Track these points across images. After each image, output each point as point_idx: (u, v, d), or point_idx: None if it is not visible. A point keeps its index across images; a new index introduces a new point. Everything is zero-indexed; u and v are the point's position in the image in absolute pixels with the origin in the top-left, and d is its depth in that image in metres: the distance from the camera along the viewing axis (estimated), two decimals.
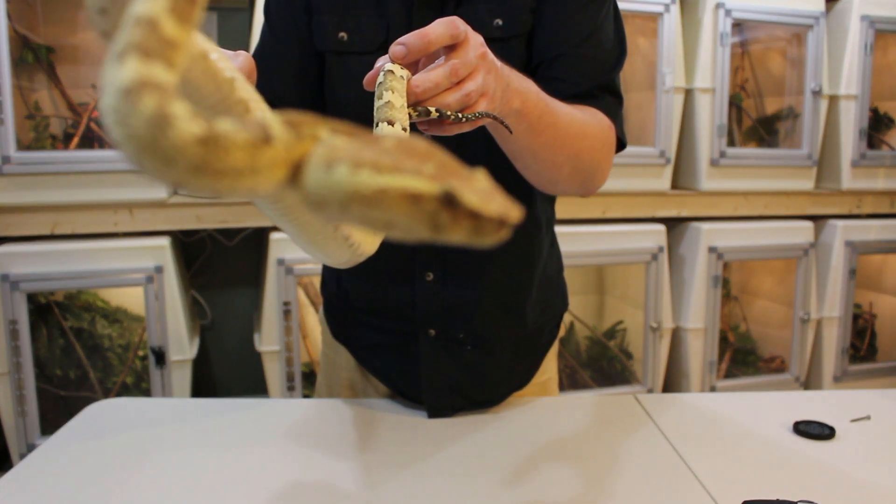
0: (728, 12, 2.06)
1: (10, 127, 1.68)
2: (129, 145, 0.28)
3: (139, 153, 0.28)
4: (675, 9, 2.01)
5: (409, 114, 0.56)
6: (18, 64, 1.78)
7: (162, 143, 0.27)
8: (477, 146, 0.74)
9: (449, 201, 0.30)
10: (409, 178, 0.30)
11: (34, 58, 1.82)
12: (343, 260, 0.50)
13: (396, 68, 0.56)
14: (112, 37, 0.35)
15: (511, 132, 0.65)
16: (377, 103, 0.55)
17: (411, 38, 0.55)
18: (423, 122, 0.57)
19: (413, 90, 0.54)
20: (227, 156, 0.29)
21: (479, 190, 0.31)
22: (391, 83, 0.55)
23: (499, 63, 0.60)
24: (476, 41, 0.57)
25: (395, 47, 0.55)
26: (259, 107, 0.44)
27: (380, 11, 0.81)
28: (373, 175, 0.30)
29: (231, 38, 2.18)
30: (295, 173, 0.32)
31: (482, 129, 0.67)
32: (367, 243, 0.50)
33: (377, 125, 0.55)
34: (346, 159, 0.31)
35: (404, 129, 0.54)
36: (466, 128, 0.58)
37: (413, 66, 0.58)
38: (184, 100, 0.28)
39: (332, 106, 0.87)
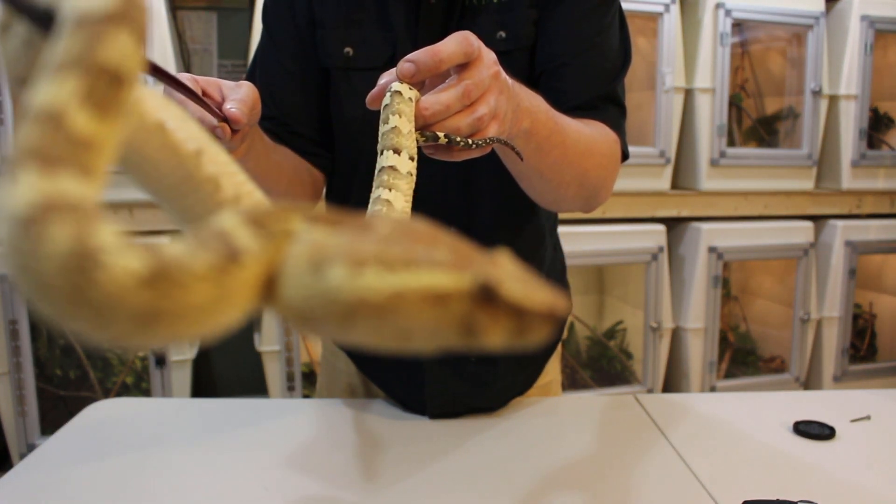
0: (728, 12, 2.06)
1: (10, 127, 1.68)
2: (42, 299, 0.20)
3: (59, 309, 0.20)
4: (675, 9, 2.01)
5: (416, 139, 0.52)
6: None
7: (89, 294, 0.20)
8: (483, 166, 0.72)
9: (486, 297, 0.24)
10: (431, 272, 0.24)
11: None
12: None
13: (404, 88, 0.52)
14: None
15: (522, 159, 0.62)
16: (382, 128, 0.52)
17: (422, 56, 0.51)
18: (430, 146, 0.53)
19: (422, 113, 0.51)
20: (184, 294, 0.21)
21: (517, 278, 0.24)
22: (398, 106, 0.51)
23: (510, 81, 0.58)
24: (489, 59, 0.54)
25: (404, 65, 0.51)
26: (232, 181, 0.36)
27: (385, 25, 0.79)
28: (382, 275, 0.23)
29: (231, 38, 2.19)
30: (268, 286, 0.24)
31: None
32: None
33: (381, 153, 0.51)
34: (340, 257, 0.23)
35: (411, 159, 0.51)
36: (475, 154, 0.55)
37: (419, 84, 0.55)
38: (107, 222, 0.21)
39: (339, 124, 0.85)
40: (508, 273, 0.25)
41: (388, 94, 0.52)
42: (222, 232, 0.24)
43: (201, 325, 0.23)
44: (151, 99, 0.33)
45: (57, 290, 0.20)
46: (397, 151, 0.51)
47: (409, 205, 0.51)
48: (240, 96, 0.61)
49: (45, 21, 0.26)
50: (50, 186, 0.20)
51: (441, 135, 0.52)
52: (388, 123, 0.51)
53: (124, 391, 1.90)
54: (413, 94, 0.52)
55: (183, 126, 0.34)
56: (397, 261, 0.23)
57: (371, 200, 0.50)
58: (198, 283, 0.22)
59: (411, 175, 0.51)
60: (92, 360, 1.89)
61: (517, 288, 0.24)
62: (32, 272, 0.20)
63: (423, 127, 0.52)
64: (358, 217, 0.26)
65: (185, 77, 0.58)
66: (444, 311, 0.24)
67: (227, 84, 0.63)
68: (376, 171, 0.52)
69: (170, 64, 1.77)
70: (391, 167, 0.51)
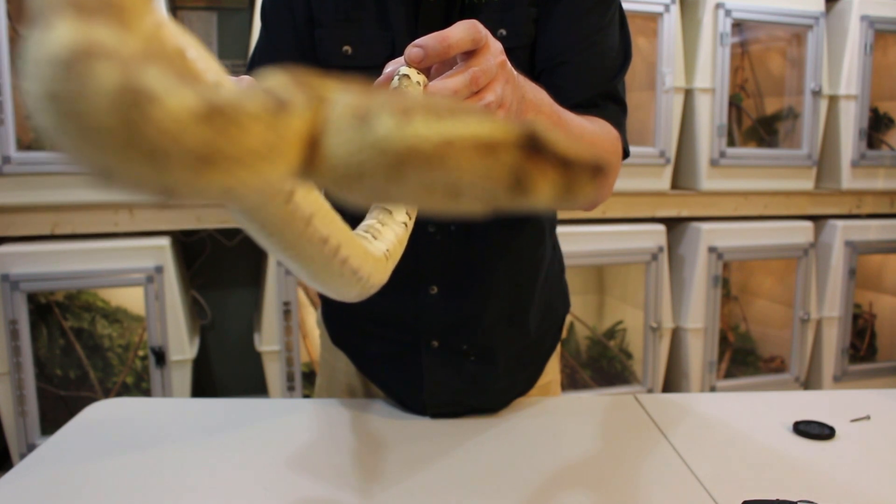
0: (728, 12, 2.06)
1: (10, 127, 1.68)
2: (91, 145, 0.18)
3: (107, 153, 0.18)
4: (675, 9, 2.01)
5: None
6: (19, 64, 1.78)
7: (144, 131, 0.18)
8: None
9: (534, 147, 0.23)
10: (479, 121, 0.23)
11: None
12: (352, 295, 0.45)
13: (412, 73, 0.51)
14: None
15: None
16: None
17: (430, 41, 0.50)
18: None
19: None
20: (241, 133, 0.20)
21: (559, 134, 0.24)
22: (406, 89, 0.51)
23: (515, 72, 0.58)
24: (496, 48, 0.54)
25: (412, 49, 0.51)
26: (214, 71, 0.34)
27: (383, 24, 0.79)
28: (431, 123, 0.22)
29: (231, 38, 2.19)
30: (311, 151, 0.23)
31: None
32: (377, 273, 0.44)
33: None
34: (386, 108, 0.22)
35: None
36: None
37: (426, 70, 0.55)
38: (157, 62, 0.19)
39: None
40: (550, 128, 0.24)
41: (396, 78, 0.52)
42: (269, 87, 0.23)
43: (255, 174, 0.21)
44: (172, 26, 0.30)
45: (108, 132, 0.18)
46: None
47: None
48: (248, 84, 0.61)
49: None
50: (88, 30, 0.18)
51: None
52: None
53: (124, 391, 1.90)
54: (421, 78, 0.52)
55: (203, 56, 0.32)
56: (445, 110, 0.23)
57: None
58: (253, 123, 0.20)
59: None
60: (92, 360, 1.89)
61: (562, 140, 0.23)
62: (79, 116, 0.18)
63: None
64: (392, 90, 0.25)
65: None
66: (494, 162, 0.23)
67: (229, 79, 0.63)
68: None
69: None
70: None
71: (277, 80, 0.24)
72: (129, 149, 0.18)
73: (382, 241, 0.47)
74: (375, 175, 0.23)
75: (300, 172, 0.23)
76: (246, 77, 0.63)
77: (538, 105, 0.62)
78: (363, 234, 0.46)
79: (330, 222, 0.37)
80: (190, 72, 0.29)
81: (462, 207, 0.24)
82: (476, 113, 0.23)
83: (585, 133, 0.72)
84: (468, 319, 0.88)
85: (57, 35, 0.18)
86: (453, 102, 0.23)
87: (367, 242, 0.45)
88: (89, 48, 0.18)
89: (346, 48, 0.80)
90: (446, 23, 0.78)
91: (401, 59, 0.53)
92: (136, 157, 0.18)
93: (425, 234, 0.84)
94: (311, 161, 0.23)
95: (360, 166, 0.23)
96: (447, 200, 0.23)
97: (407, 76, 0.51)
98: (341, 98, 0.24)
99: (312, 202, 0.35)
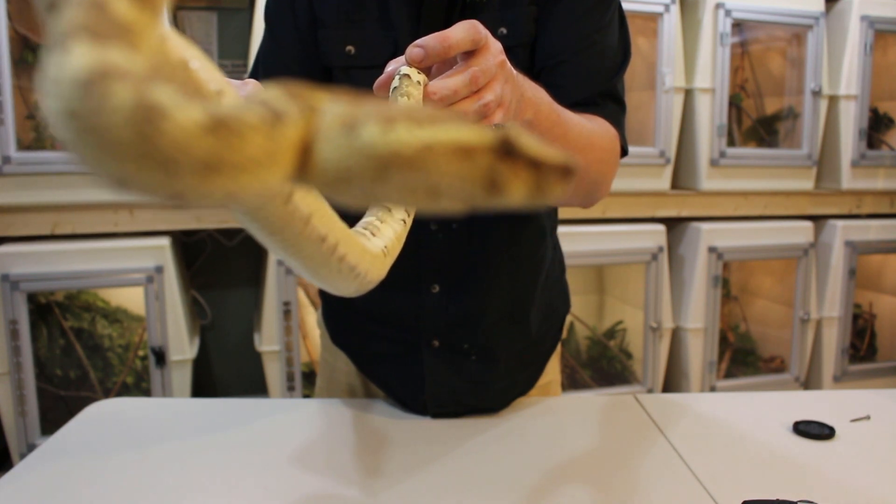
0: (728, 12, 2.06)
1: (10, 127, 1.68)
2: (109, 157, 0.21)
3: (126, 165, 0.21)
4: (675, 9, 2.01)
5: None
6: (19, 64, 1.78)
7: (157, 142, 0.20)
8: None
9: (506, 150, 0.25)
10: (457, 128, 0.25)
11: (34, 58, 1.82)
12: (350, 290, 0.46)
13: (413, 72, 0.53)
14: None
15: None
16: None
17: (431, 41, 0.51)
18: None
19: (430, 97, 0.51)
20: (242, 143, 0.22)
21: (531, 138, 0.26)
22: (407, 88, 0.51)
23: (515, 71, 0.58)
24: (496, 48, 0.55)
25: (413, 49, 0.52)
26: (218, 81, 0.37)
27: (386, 24, 0.79)
28: (412, 129, 0.25)
29: (231, 38, 2.19)
30: (304, 157, 0.26)
31: None
32: (375, 269, 0.45)
33: None
34: (371, 117, 0.25)
35: None
36: None
37: (426, 70, 0.56)
38: (165, 80, 0.22)
39: None
40: (523, 133, 0.26)
41: (397, 77, 0.53)
42: (265, 100, 0.25)
43: (255, 179, 0.23)
44: (176, 39, 0.33)
45: (124, 144, 0.20)
46: None
47: None
48: (246, 96, 0.61)
49: None
50: (102, 55, 0.21)
51: None
52: None
53: (124, 391, 1.90)
54: (421, 77, 0.53)
55: (205, 67, 0.34)
56: (425, 119, 0.25)
57: None
58: (252, 133, 0.23)
59: None
60: (92, 360, 1.89)
61: (533, 143, 0.26)
62: (97, 130, 0.20)
63: None
64: (379, 101, 0.28)
65: None
66: (470, 165, 0.25)
67: (233, 83, 0.64)
68: None
69: None
70: None
71: (272, 93, 0.26)
72: (143, 159, 0.20)
73: (381, 237, 0.47)
74: (363, 178, 0.25)
75: (295, 176, 0.25)
76: (251, 81, 0.63)
77: (537, 103, 0.63)
78: (362, 231, 0.47)
79: (328, 221, 0.38)
80: (194, 84, 0.33)
81: (443, 206, 0.26)
82: (455, 120, 0.25)
83: (584, 131, 0.72)
84: (469, 318, 0.88)
85: (75, 58, 0.20)
86: (435, 111, 0.26)
87: (366, 240, 0.46)
88: (105, 70, 0.20)
89: (349, 48, 0.81)
90: (448, 22, 0.78)
91: (402, 59, 0.53)
92: (149, 166, 0.21)
93: (427, 232, 0.84)
94: (305, 166, 0.25)
95: (348, 170, 0.25)
96: (429, 200, 0.26)
97: (407, 76, 0.52)
98: (331, 108, 0.26)
99: (311, 203, 0.37)
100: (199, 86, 0.33)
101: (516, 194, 0.25)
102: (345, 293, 0.46)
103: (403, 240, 0.50)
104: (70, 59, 0.20)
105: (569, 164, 0.26)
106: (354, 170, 0.25)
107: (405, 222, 0.51)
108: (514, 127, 0.26)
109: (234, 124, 0.22)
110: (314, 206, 0.37)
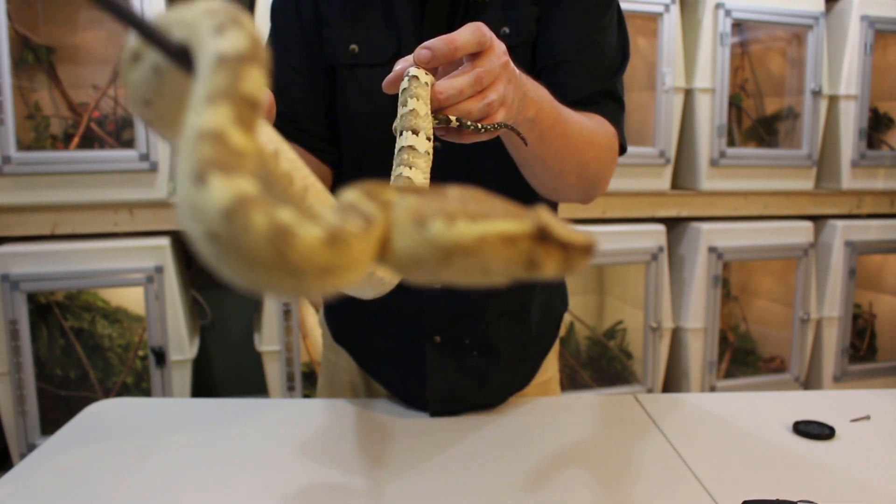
0: (728, 12, 2.06)
1: (10, 127, 1.68)
2: (248, 269, 0.25)
3: (262, 274, 0.26)
4: (675, 9, 2.01)
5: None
6: (19, 64, 1.78)
7: (290, 258, 0.25)
8: (487, 153, 0.74)
9: (542, 237, 0.31)
10: (503, 221, 0.31)
11: (34, 58, 1.82)
12: (371, 295, 0.50)
13: (421, 73, 0.55)
14: (156, 126, 0.36)
15: (527, 144, 0.65)
16: (401, 110, 0.55)
17: (438, 44, 0.54)
18: (442, 128, 0.57)
19: (436, 96, 0.54)
20: (350, 251, 0.28)
21: (560, 223, 0.32)
22: (416, 90, 0.54)
23: (518, 72, 0.60)
24: (500, 49, 0.57)
25: (421, 51, 0.54)
26: (301, 175, 0.43)
27: (389, 23, 0.80)
28: (469, 225, 0.30)
29: None
30: (384, 246, 0.31)
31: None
32: (392, 278, 0.49)
33: (401, 133, 0.55)
34: (436, 214, 0.30)
35: (428, 139, 0.55)
36: (484, 137, 0.58)
37: (433, 70, 0.58)
38: (283, 204, 0.27)
39: (345, 120, 0.86)
40: (553, 219, 0.32)
41: (406, 79, 0.55)
42: (353, 204, 0.31)
43: (356, 273, 0.29)
44: (263, 142, 0.39)
45: (262, 259, 0.25)
46: (415, 132, 0.54)
47: (428, 181, 0.55)
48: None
49: (178, 55, 0.31)
50: (234, 185, 0.25)
51: (453, 118, 0.56)
52: (406, 106, 0.55)
53: (124, 391, 1.90)
54: (429, 78, 0.56)
55: (263, 130, 0.38)
56: (478, 214, 0.31)
57: (392, 178, 0.54)
58: (356, 241, 0.28)
59: (428, 154, 0.55)
60: (92, 360, 1.89)
61: (563, 229, 0.31)
62: (242, 251, 0.25)
63: (437, 110, 0.56)
64: (432, 187, 0.34)
65: None
66: (515, 250, 0.31)
67: None
68: (396, 151, 0.55)
69: None
70: (410, 147, 0.54)
71: (355, 196, 0.31)
72: (277, 269, 0.25)
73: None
74: (430, 263, 0.31)
75: (378, 261, 0.31)
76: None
77: (539, 102, 0.64)
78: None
79: None
80: (287, 174, 0.41)
81: (491, 281, 0.32)
82: (502, 214, 0.31)
83: (584, 129, 0.73)
84: (470, 314, 0.88)
85: (215, 192, 0.25)
86: (485, 205, 0.31)
87: None
88: (240, 199, 0.25)
89: (353, 47, 0.82)
90: (451, 20, 0.79)
91: (409, 58, 0.56)
92: (282, 275, 0.26)
93: None
94: (384, 252, 0.31)
95: (419, 257, 0.31)
96: (481, 278, 0.32)
97: (416, 77, 0.55)
98: (401, 202, 0.32)
99: (318, 191, 0.41)
100: (261, 149, 0.39)
101: (549, 270, 0.31)
102: (365, 297, 0.49)
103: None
104: (211, 193, 0.25)
105: (591, 244, 0.32)
106: (424, 257, 0.31)
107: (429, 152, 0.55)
108: (546, 213, 0.32)
109: (343, 236, 0.27)
110: (322, 194, 0.41)
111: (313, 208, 0.31)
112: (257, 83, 0.29)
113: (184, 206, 0.26)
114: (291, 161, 0.43)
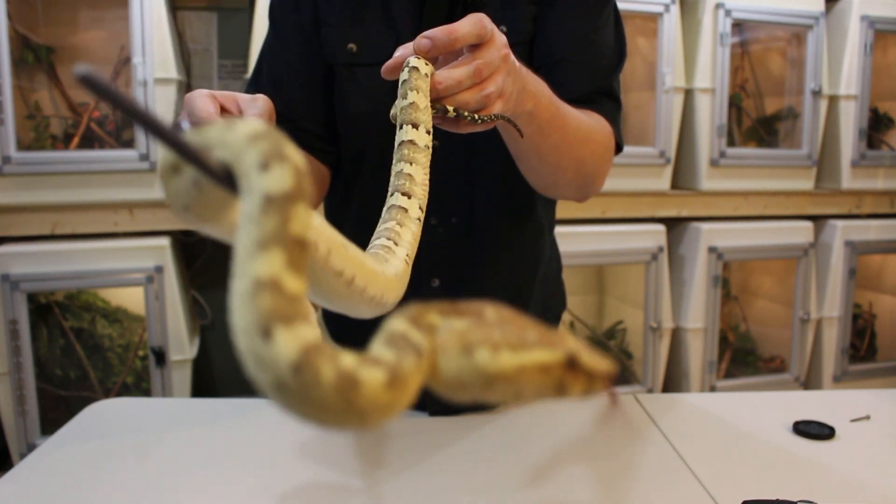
0: (728, 12, 2.06)
1: (10, 127, 1.68)
2: (317, 416, 0.27)
3: (330, 419, 0.27)
4: (675, 9, 2.01)
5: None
6: (19, 64, 1.78)
7: (357, 404, 0.27)
8: (486, 149, 0.75)
9: (571, 365, 0.34)
10: (540, 351, 0.33)
11: (34, 58, 1.82)
12: (369, 315, 0.50)
13: (421, 64, 0.55)
14: (195, 225, 0.37)
15: (523, 136, 0.65)
16: (401, 103, 0.55)
17: (438, 34, 0.54)
18: (439, 118, 0.57)
19: (435, 86, 0.54)
20: (407, 388, 0.30)
21: (586, 350, 0.35)
22: (416, 82, 0.54)
23: (517, 64, 0.60)
24: (500, 41, 0.57)
25: (421, 40, 0.54)
26: (324, 238, 0.41)
27: (388, 23, 0.81)
28: (512, 355, 0.33)
29: (231, 38, 2.19)
30: (430, 368, 0.34)
31: (492, 130, 0.68)
32: (392, 293, 0.48)
33: (401, 127, 0.55)
34: (481, 343, 0.33)
35: (427, 132, 0.55)
36: (480, 128, 0.58)
37: (433, 60, 0.58)
38: (340, 351, 0.28)
39: (344, 119, 0.86)
40: (581, 346, 0.35)
41: (406, 70, 0.55)
42: (402, 335, 0.32)
43: (410, 403, 0.31)
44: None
45: (331, 406, 0.27)
46: (415, 126, 0.54)
47: (427, 176, 0.55)
48: (257, 111, 0.62)
49: (221, 178, 0.32)
50: (298, 337, 0.26)
51: (450, 108, 0.56)
52: (406, 98, 0.55)
53: (124, 391, 1.90)
54: (429, 69, 0.56)
55: (317, 230, 0.38)
56: (518, 344, 0.33)
57: (393, 174, 0.54)
58: (413, 376, 0.30)
59: (428, 148, 0.55)
60: (92, 360, 1.89)
61: (590, 358, 0.34)
62: (313, 401, 0.26)
63: (435, 100, 0.55)
64: (468, 305, 0.36)
65: (202, 93, 0.59)
66: (548, 377, 0.34)
67: (243, 98, 0.64)
68: (396, 145, 0.55)
69: (170, 64, 1.77)
70: (410, 141, 0.54)
71: (402, 325, 0.33)
72: (345, 414, 0.27)
73: (402, 245, 0.50)
74: (474, 387, 0.33)
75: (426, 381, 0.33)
76: (261, 96, 0.64)
77: (537, 96, 0.64)
78: (385, 242, 0.50)
79: (343, 256, 0.41)
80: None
81: (524, 401, 0.35)
82: (537, 342, 0.34)
83: (581, 125, 0.74)
84: None
85: (281, 346, 0.26)
86: (522, 332, 0.34)
87: (384, 259, 0.48)
88: (307, 351, 0.26)
89: (352, 46, 0.82)
90: (450, 20, 0.79)
91: (409, 46, 0.56)
92: (349, 418, 0.27)
93: (427, 226, 0.84)
94: (430, 374, 0.34)
95: (463, 382, 0.33)
96: (515, 400, 0.34)
97: (416, 68, 0.55)
98: (444, 325, 0.34)
99: (326, 239, 0.40)
100: (316, 244, 0.40)
101: (575, 394, 0.34)
102: (363, 317, 0.49)
103: (419, 235, 0.54)
104: (278, 348, 0.26)
105: (612, 374, 0.35)
106: (469, 382, 0.33)
107: (420, 220, 0.54)
108: (573, 340, 0.35)
109: (402, 375, 0.29)
110: (330, 242, 0.40)
111: (371, 352, 0.31)
112: (305, 222, 0.30)
113: (250, 358, 0.27)
114: (315, 228, 0.40)
